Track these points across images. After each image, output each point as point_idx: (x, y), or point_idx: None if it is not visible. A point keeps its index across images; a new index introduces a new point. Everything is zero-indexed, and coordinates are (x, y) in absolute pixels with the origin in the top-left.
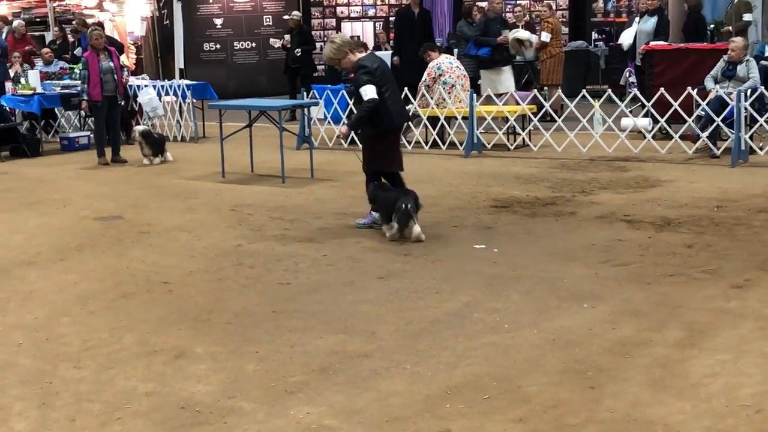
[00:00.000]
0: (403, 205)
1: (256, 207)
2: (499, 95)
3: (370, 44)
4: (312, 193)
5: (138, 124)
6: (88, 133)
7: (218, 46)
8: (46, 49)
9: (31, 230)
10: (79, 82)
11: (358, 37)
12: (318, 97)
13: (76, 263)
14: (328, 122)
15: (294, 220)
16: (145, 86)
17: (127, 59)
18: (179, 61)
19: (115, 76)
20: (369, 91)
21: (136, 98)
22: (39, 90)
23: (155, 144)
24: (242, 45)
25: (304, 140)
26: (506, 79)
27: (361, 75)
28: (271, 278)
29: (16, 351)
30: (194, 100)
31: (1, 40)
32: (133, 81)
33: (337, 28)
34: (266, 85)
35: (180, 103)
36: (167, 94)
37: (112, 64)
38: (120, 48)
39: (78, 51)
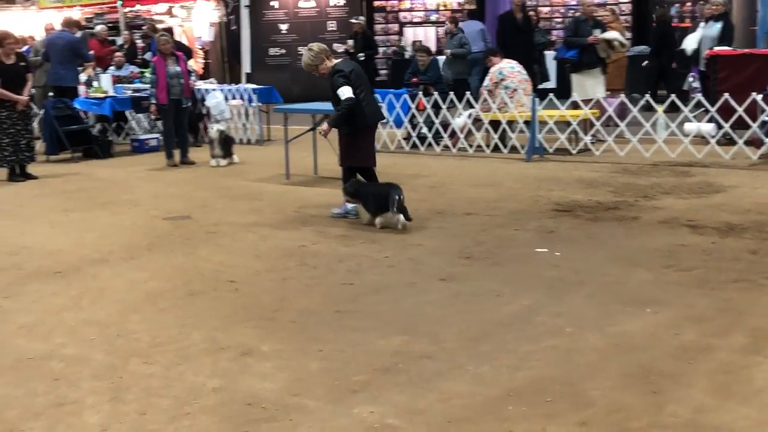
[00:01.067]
0: (398, 197)
1: (319, 209)
2: (587, 101)
3: (432, 47)
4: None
5: (206, 127)
6: (157, 135)
7: (283, 51)
8: (118, 54)
9: (103, 229)
10: (149, 85)
11: (420, 42)
12: (380, 101)
13: (146, 262)
14: (390, 126)
15: (357, 222)
16: (213, 90)
17: (195, 64)
18: (246, 66)
19: (182, 80)
20: (346, 92)
21: (203, 102)
22: (111, 93)
23: (227, 145)
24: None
25: None
26: (596, 83)
27: (337, 78)
28: (334, 278)
29: (89, 346)
30: (260, 104)
31: (80, 48)
32: (200, 85)
33: (400, 33)
34: (330, 89)
35: (246, 107)
36: (234, 98)
37: (179, 68)
38: (188, 53)
39: (148, 55)
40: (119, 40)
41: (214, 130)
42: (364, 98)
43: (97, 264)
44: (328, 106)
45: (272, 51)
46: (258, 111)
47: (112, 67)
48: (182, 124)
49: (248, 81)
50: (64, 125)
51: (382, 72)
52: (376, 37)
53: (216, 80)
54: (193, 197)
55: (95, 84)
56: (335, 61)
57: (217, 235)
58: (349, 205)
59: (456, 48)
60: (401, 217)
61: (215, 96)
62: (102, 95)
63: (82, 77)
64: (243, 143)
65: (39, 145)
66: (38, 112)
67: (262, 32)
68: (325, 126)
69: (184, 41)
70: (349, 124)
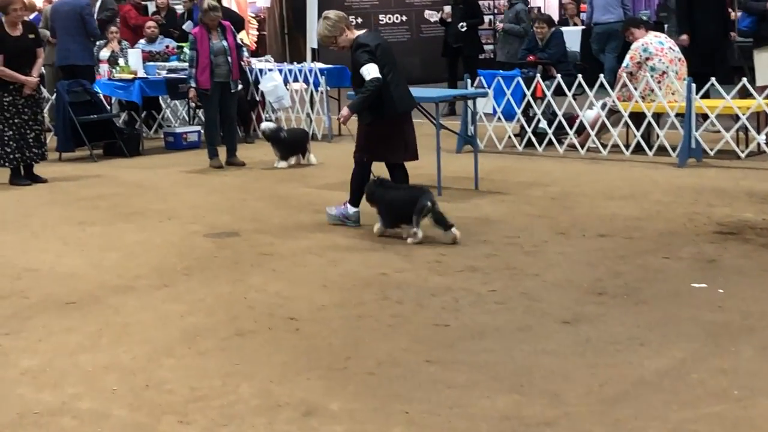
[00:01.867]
0: (428, 203)
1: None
2: (763, 88)
3: (555, 17)
4: (476, 210)
5: (260, 117)
6: (198, 128)
7: (360, 20)
8: (150, 22)
9: (128, 248)
10: (187, 64)
11: (539, 9)
12: (486, 85)
13: (182, 290)
14: (498, 118)
15: (452, 244)
16: (269, 71)
17: (247, 36)
18: (312, 40)
19: (230, 59)
20: (372, 70)
21: (257, 86)
22: (140, 74)
23: (286, 144)
24: (390, 19)
25: (467, 141)
26: None
27: (361, 54)
28: (424, 318)
29: (110, 399)
30: (329, 89)
31: (86, 16)
32: (253, 64)
33: None
34: (419, 70)
35: (311, 92)
36: (296, 80)
37: (225, 43)
38: (238, 23)
39: (188, 25)
40: (151, 6)
41: (263, 129)
42: (392, 80)
43: (120, 292)
44: (417, 92)
45: None
46: (327, 97)
47: (142, 41)
48: (229, 114)
49: (314, 59)
50: (82, 114)
51: (488, 47)
52: (482, 2)
53: (273, 58)
54: (243, 208)
55: (121, 62)
56: (358, 32)
57: (272, 258)
58: (351, 209)
59: (510, 23)
60: (455, 230)
61: (272, 78)
62: (129, 76)
63: (104, 53)
64: None
65: (50, 140)
66: (49, 98)
67: None
68: (345, 111)
69: (234, 7)
70: (373, 112)
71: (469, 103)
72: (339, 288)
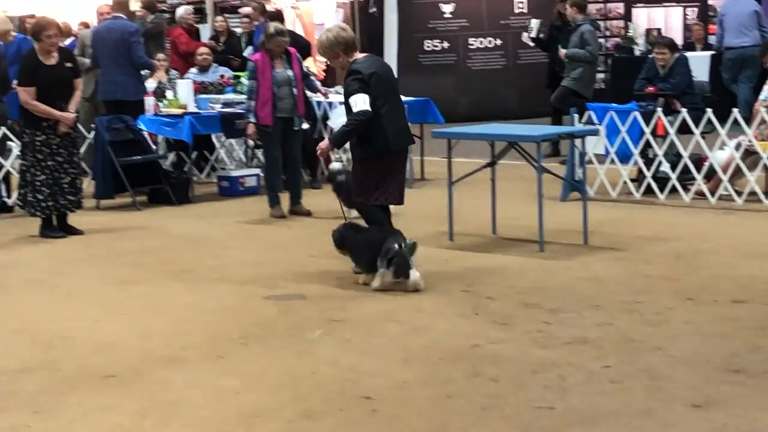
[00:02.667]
0: (396, 245)
1: (499, 287)
2: None
3: (679, 40)
4: (586, 269)
5: (328, 158)
6: (257, 171)
7: (446, 44)
8: (202, 48)
9: (176, 312)
10: (245, 96)
11: (659, 31)
12: (596, 121)
13: (239, 363)
14: (612, 160)
15: (558, 310)
16: (340, 104)
17: (314, 64)
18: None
19: (295, 90)
20: (359, 102)
21: (325, 122)
22: (191, 108)
23: (348, 190)
24: (481, 43)
25: (574, 187)
26: None
27: (351, 81)
28: (524, 399)
29: None
30: (410, 125)
31: (134, 44)
32: (321, 96)
33: (626, 17)
34: (516, 103)
35: None
36: None
37: (290, 72)
38: (304, 48)
39: (249, 51)
40: (205, 29)
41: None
42: (386, 113)
43: (167, 365)
44: (514, 129)
45: (429, 44)
46: None
47: (193, 70)
48: (294, 155)
49: None
50: (123, 155)
51: (598, 76)
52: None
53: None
54: (309, 265)
55: (169, 94)
56: (358, 56)
57: (344, 325)
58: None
59: (575, 48)
60: (414, 273)
61: (342, 113)
62: (178, 111)
63: (150, 84)
64: None
65: (86, 185)
66: (87, 136)
67: (415, 17)
68: (324, 144)
69: (299, 30)
70: (363, 148)
71: (577, 142)
72: (423, 362)
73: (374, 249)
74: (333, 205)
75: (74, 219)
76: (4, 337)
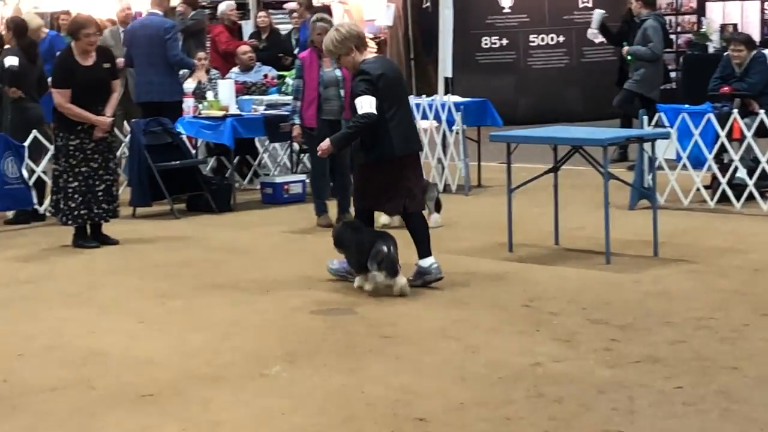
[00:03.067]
0: (384, 248)
1: (563, 302)
2: None
3: (756, 36)
4: (656, 283)
5: None
6: (303, 177)
7: (505, 41)
8: (244, 47)
9: (218, 328)
10: (291, 98)
11: (734, 26)
12: (667, 124)
13: (284, 382)
14: (684, 166)
15: (627, 327)
16: None
17: None
18: (445, 67)
19: (342, 92)
20: (365, 104)
21: None
22: (233, 110)
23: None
24: (543, 40)
25: (643, 194)
26: None
27: (358, 82)
28: (589, 422)
29: None
30: (465, 128)
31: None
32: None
33: (699, 12)
34: (581, 104)
35: (444, 133)
36: (424, 117)
37: (339, 72)
38: None
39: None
40: (248, 26)
41: None
42: (393, 117)
43: (208, 383)
44: (578, 132)
45: (487, 42)
46: (464, 139)
47: (235, 69)
48: (342, 161)
49: (448, 91)
50: (161, 160)
51: (672, 74)
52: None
53: None
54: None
55: (209, 95)
56: (368, 55)
57: (396, 342)
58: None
59: (638, 45)
60: (399, 280)
61: None
62: (219, 113)
63: (189, 84)
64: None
65: (122, 191)
66: (123, 140)
67: (472, 12)
68: (326, 144)
69: None
70: (367, 152)
71: (647, 146)
72: (480, 382)
73: (364, 250)
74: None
75: (109, 228)
76: (35, 354)
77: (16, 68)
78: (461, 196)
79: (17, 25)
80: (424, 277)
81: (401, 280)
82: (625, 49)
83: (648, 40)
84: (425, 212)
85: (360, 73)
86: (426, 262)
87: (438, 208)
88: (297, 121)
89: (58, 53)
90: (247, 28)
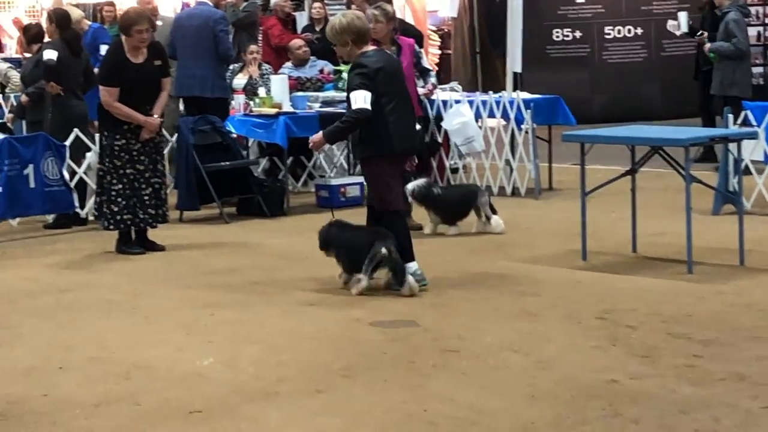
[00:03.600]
0: (383, 250)
1: (641, 315)
2: None
3: None
4: (742, 294)
5: (443, 165)
6: (361, 179)
7: (578, 33)
8: (297, 40)
9: (269, 339)
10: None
11: None
12: (755, 122)
13: (340, 398)
14: None
15: (710, 342)
16: (455, 103)
17: (426, 57)
18: (514, 62)
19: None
20: (359, 99)
21: (439, 123)
22: (286, 108)
23: (444, 206)
24: (619, 32)
25: (728, 199)
26: None
27: (354, 76)
28: None
29: None
30: (536, 126)
31: (219, 33)
32: (434, 94)
33: None
34: (660, 101)
35: (513, 132)
36: (491, 115)
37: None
38: (417, 39)
39: None
40: (302, 18)
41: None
42: (391, 112)
43: (259, 400)
44: (658, 131)
45: (559, 34)
46: (533, 139)
47: (288, 64)
48: None
49: (517, 87)
50: (210, 161)
51: (756, 70)
52: (751, 7)
53: (461, 86)
54: (421, 288)
55: (261, 92)
56: (365, 48)
57: (461, 356)
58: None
59: (721, 42)
60: (410, 279)
61: (459, 113)
62: (272, 111)
63: (239, 80)
64: (506, 195)
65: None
66: (169, 139)
67: (543, 2)
68: (317, 137)
69: (409, 19)
70: (365, 146)
71: (732, 146)
72: (552, 399)
73: (356, 250)
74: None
75: (155, 233)
76: (77, 366)
77: (53, 62)
78: (531, 200)
79: (60, 17)
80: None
81: (411, 280)
82: (707, 46)
83: (731, 35)
84: (481, 219)
85: (357, 66)
86: (410, 268)
87: (494, 212)
88: None
89: (103, 46)
90: (302, 20)
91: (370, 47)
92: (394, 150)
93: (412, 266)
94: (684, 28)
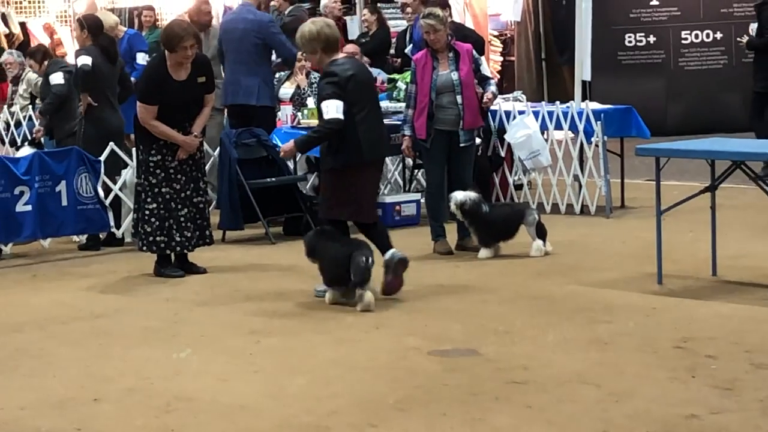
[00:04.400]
0: (364, 259)
1: (722, 343)
2: None
3: None
4: None
5: (505, 181)
6: (417, 196)
7: (652, 38)
8: (351, 45)
9: (319, 369)
10: (403, 105)
11: None
12: None
13: None
14: None
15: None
16: (520, 114)
17: (487, 64)
18: (582, 69)
19: (460, 98)
20: (331, 109)
21: (502, 136)
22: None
23: (486, 224)
24: (697, 37)
25: None
26: None
27: (325, 85)
28: None
29: None
30: (606, 139)
31: (272, 35)
32: (496, 104)
33: None
34: (742, 111)
35: (581, 145)
36: (558, 127)
37: (455, 75)
38: (477, 44)
39: (411, 49)
40: (353, 21)
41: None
42: (362, 120)
43: None
44: (740, 144)
45: (632, 39)
46: (604, 152)
47: None
48: (461, 177)
49: (586, 96)
50: (255, 177)
51: None
52: None
53: (525, 95)
54: (482, 315)
55: (310, 102)
56: (338, 56)
57: (527, 388)
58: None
59: (757, 35)
60: (367, 295)
61: (523, 125)
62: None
63: (286, 89)
64: (573, 213)
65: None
66: (211, 154)
67: (615, 4)
68: (289, 145)
69: (469, 23)
70: (334, 156)
71: None
72: None
73: (339, 263)
74: (516, 238)
75: (196, 255)
76: (114, 397)
77: (88, 68)
78: (601, 219)
79: (92, 22)
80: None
81: (368, 296)
82: (744, 39)
83: (765, 29)
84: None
85: (327, 74)
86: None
87: (541, 234)
88: (408, 132)
89: (140, 54)
90: (352, 25)
91: (341, 55)
92: (364, 159)
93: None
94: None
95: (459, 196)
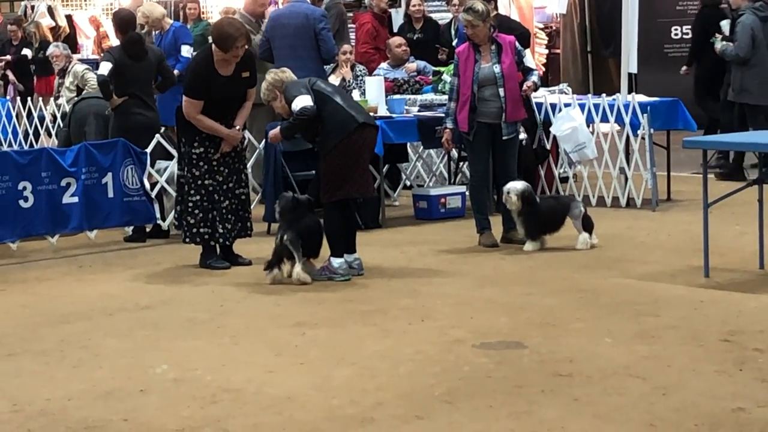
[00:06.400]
0: (284, 236)
1: None
2: None
3: None
4: None
5: (551, 174)
6: (463, 189)
7: None
8: (397, 38)
9: (365, 361)
10: (446, 98)
11: None
12: None
13: (442, 425)
14: None
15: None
16: (565, 106)
17: (532, 57)
18: (629, 61)
19: (502, 91)
20: (300, 102)
21: (547, 129)
22: (382, 112)
23: (533, 217)
24: None
25: None
26: None
27: (289, 93)
28: None
29: None
30: (653, 131)
31: (321, 30)
32: (541, 96)
33: None
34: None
35: (628, 138)
36: (604, 120)
37: (497, 68)
38: (523, 38)
39: (456, 42)
40: (397, 14)
41: (507, 192)
42: (340, 101)
43: (354, 426)
44: None
45: (677, 32)
46: (650, 145)
47: (384, 65)
48: (507, 170)
49: (632, 89)
50: (299, 169)
51: None
52: None
53: (571, 88)
54: (528, 306)
55: (355, 94)
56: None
57: (574, 381)
58: (335, 262)
59: (727, 44)
60: (296, 270)
61: (569, 117)
62: None
63: (332, 81)
64: (617, 206)
65: (254, 205)
66: (256, 146)
67: None
68: (275, 132)
69: (515, 16)
70: (326, 139)
71: None
72: (674, 429)
73: (310, 237)
74: (561, 231)
75: (241, 247)
76: (160, 390)
77: (103, 78)
78: (648, 212)
79: (120, 19)
80: (334, 274)
81: (297, 270)
82: (717, 47)
83: (736, 39)
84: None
85: (287, 89)
86: (337, 261)
87: (588, 227)
88: (450, 125)
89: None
90: (397, 17)
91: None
92: (359, 121)
93: (351, 257)
94: (726, 31)
95: (518, 185)
